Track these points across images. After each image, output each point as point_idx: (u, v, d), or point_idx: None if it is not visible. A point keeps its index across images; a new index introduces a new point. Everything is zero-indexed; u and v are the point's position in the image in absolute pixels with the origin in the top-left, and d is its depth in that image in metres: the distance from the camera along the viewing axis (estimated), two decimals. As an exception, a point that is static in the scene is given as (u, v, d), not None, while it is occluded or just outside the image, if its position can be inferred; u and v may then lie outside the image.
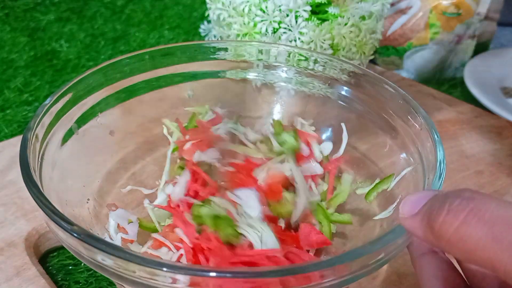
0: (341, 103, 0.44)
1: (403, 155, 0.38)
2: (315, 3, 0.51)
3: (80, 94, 0.38)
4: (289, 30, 0.51)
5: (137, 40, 0.79)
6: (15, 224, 0.40)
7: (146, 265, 0.23)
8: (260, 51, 0.46)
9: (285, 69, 0.46)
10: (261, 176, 0.40)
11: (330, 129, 0.46)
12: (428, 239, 0.22)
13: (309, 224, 0.37)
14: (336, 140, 0.45)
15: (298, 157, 0.42)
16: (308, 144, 0.44)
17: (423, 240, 0.23)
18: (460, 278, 0.27)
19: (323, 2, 0.51)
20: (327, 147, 0.45)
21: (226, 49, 0.45)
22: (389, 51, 0.73)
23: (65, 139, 0.36)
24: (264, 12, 0.50)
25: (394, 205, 0.36)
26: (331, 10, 0.51)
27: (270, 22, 0.50)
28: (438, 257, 0.27)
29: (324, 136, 0.46)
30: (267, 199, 0.38)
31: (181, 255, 0.34)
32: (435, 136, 0.34)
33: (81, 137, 0.38)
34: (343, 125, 0.44)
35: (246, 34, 0.52)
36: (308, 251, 0.36)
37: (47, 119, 0.34)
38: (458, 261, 0.27)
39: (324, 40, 0.51)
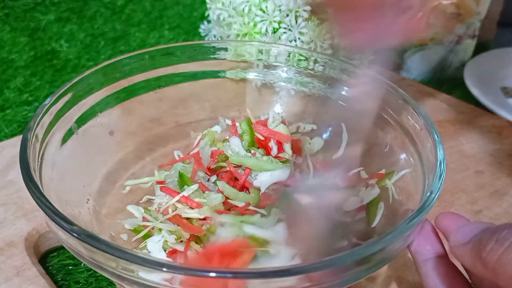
0: (341, 103, 0.44)
1: (403, 155, 0.38)
2: (315, 3, 0.51)
3: (80, 94, 0.38)
4: (289, 30, 0.51)
5: (137, 40, 0.79)
6: (15, 224, 0.40)
7: (146, 265, 0.24)
8: (260, 51, 0.46)
9: (285, 69, 0.46)
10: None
11: (330, 129, 0.46)
12: (476, 267, 0.23)
13: None
14: (336, 140, 0.45)
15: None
16: (279, 143, 0.43)
17: (471, 269, 0.24)
18: (466, 284, 0.27)
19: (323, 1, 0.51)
20: (318, 143, 0.44)
21: (226, 49, 0.45)
22: (389, 51, 0.73)
23: (65, 139, 0.36)
24: (264, 12, 0.50)
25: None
26: (331, 10, 0.51)
27: (270, 22, 0.50)
28: (443, 262, 0.27)
29: (323, 136, 0.46)
30: None
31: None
32: (435, 136, 0.34)
33: (81, 137, 0.38)
34: (343, 125, 0.44)
35: (246, 34, 0.52)
36: None
37: (47, 119, 0.34)
38: (465, 268, 0.27)
39: (324, 40, 0.51)
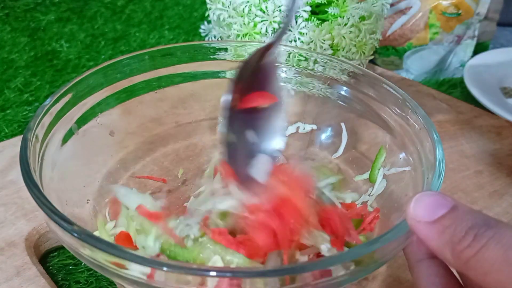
0: (341, 103, 0.44)
1: (403, 154, 0.38)
2: (315, 3, 0.52)
3: (80, 95, 0.38)
4: (289, 30, 0.51)
5: (137, 40, 0.79)
6: (15, 224, 0.40)
7: (146, 265, 0.24)
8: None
9: (285, 69, 0.46)
10: None
11: (330, 129, 0.46)
12: (443, 255, 0.23)
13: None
14: (336, 140, 0.46)
15: None
16: None
17: (435, 251, 0.24)
18: (458, 284, 0.27)
19: (323, 2, 0.51)
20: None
21: (226, 50, 0.45)
22: (389, 51, 0.73)
23: (65, 140, 0.36)
24: (264, 12, 0.50)
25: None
26: (331, 10, 0.51)
27: (270, 22, 0.50)
28: (436, 263, 0.27)
29: (323, 136, 0.46)
30: None
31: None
32: (434, 136, 0.34)
33: (81, 137, 0.38)
34: (342, 125, 0.44)
35: (246, 35, 0.52)
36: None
37: (47, 120, 0.34)
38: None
39: (324, 40, 0.51)
